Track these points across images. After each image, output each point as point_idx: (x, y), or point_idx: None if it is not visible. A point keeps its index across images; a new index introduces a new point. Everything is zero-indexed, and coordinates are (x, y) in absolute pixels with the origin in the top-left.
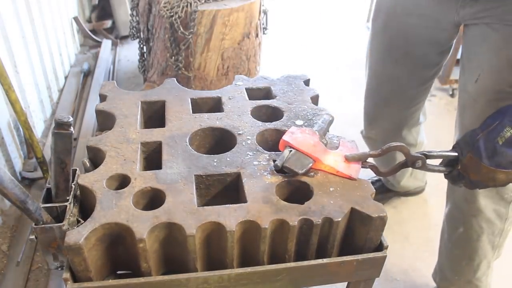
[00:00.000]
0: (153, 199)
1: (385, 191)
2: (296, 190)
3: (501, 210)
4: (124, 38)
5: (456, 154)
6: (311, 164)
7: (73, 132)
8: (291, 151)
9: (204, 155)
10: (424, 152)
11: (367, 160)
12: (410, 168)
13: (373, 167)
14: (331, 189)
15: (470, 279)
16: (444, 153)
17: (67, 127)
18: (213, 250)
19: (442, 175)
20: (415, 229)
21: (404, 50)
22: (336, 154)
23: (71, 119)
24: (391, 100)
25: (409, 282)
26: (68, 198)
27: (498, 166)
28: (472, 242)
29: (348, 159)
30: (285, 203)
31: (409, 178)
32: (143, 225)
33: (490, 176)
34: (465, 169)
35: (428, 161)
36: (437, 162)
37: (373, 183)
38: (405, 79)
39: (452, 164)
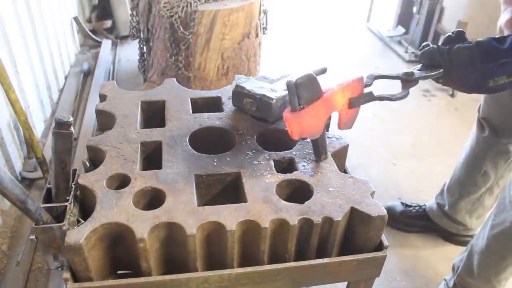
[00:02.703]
0: (153, 199)
1: (423, 226)
2: (296, 190)
3: None
4: (124, 38)
5: (441, 71)
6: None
7: (73, 132)
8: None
9: (204, 155)
10: (407, 76)
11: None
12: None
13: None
14: (330, 188)
15: (491, 277)
16: (430, 74)
17: (67, 127)
18: (213, 250)
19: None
20: None
21: None
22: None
23: (71, 119)
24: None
25: (409, 282)
26: (68, 198)
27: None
28: None
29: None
30: (285, 202)
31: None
32: (143, 225)
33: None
34: (448, 82)
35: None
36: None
37: (413, 209)
38: None
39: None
